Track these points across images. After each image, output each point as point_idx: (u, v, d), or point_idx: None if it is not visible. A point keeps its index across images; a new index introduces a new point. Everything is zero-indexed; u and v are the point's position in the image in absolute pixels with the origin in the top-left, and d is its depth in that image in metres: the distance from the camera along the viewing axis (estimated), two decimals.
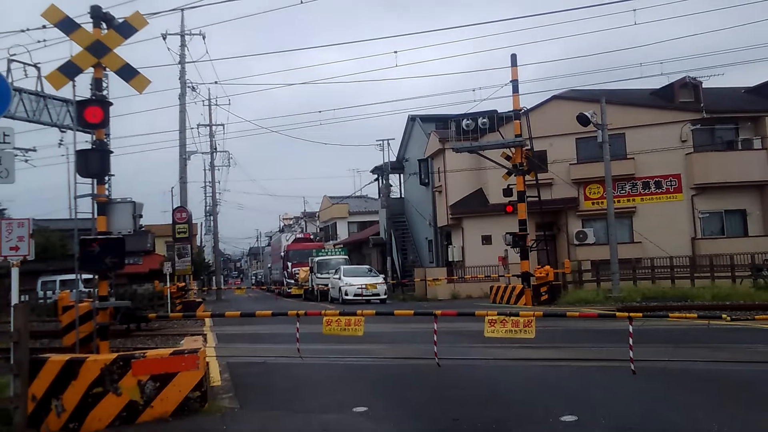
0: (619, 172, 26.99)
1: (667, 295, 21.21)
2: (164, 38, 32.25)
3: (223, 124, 66.26)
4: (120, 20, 8.27)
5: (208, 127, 44.53)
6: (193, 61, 34.27)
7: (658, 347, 10.44)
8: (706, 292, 20.98)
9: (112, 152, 8.09)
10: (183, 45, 33.10)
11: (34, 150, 21.65)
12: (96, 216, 8.05)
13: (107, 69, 8.22)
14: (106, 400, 6.64)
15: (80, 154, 7.88)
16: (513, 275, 24.87)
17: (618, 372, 8.45)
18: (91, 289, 16.56)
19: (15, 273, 7.20)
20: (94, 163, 7.82)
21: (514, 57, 22.80)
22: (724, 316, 9.01)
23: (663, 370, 8.70)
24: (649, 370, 8.37)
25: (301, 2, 16.18)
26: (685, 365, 9.10)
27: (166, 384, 6.81)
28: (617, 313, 10.41)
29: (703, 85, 30.06)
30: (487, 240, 30.63)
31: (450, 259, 32.72)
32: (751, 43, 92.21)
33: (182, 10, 26.09)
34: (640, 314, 9.67)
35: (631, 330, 7.88)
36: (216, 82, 72.08)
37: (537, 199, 24.65)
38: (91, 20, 8.25)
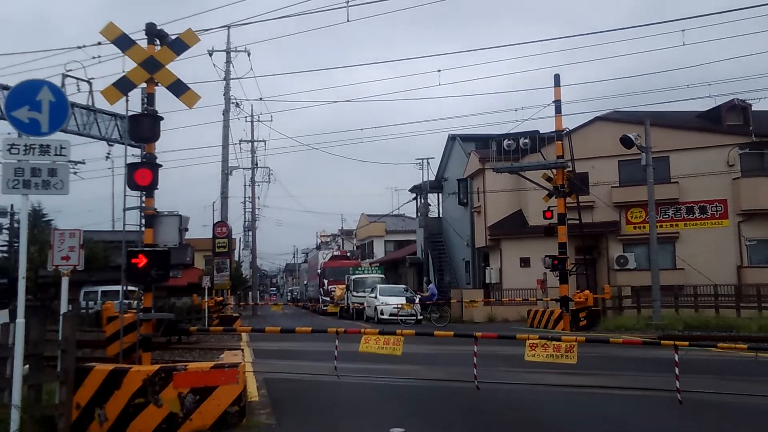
0: (662, 196, 26.48)
1: (710, 325, 20.60)
2: (210, 55, 32.96)
3: (264, 141, 67.26)
4: (173, 37, 8.47)
5: (249, 143, 45.17)
6: (238, 78, 34.80)
7: (704, 378, 10.11)
8: (753, 322, 20.29)
9: (161, 166, 8.25)
10: (228, 61, 33.75)
11: (83, 162, 22.26)
12: (143, 228, 8.19)
13: (159, 84, 8.41)
14: (147, 411, 6.71)
15: (131, 168, 8.05)
16: (551, 299, 24.51)
17: (663, 401, 8.21)
18: (132, 301, 16.87)
19: (65, 282, 7.37)
20: (143, 177, 7.97)
21: (557, 77, 22.69)
22: None
23: (709, 402, 8.43)
24: (695, 400, 8.12)
25: (348, 21, 16.39)
26: (733, 398, 8.80)
27: (205, 397, 6.86)
28: (663, 341, 10.13)
29: (752, 108, 29.40)
30: (525, 262, 30.27)
31: (487, 281, 32.39)
32: None
33: (229, 27, 26.66)
34: (687, 343, 9.39)
35: (677, 359, 7.66)
36: (260, 99, 73.03)
37: (578, 222, 24.31)
38: (145, 37, 8.48)
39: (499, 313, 28.92)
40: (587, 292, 22.94)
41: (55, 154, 6.15)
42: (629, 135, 21.59)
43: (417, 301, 28.47)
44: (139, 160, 8.58)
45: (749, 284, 25.54)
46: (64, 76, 16.46)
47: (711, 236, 27.88)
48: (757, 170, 28.35)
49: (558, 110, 22.58)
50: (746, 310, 23.11)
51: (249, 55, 34.60)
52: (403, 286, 34.52)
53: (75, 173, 23.44)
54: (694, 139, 28.58)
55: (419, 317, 27.79)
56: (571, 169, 23.33)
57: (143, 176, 8.05)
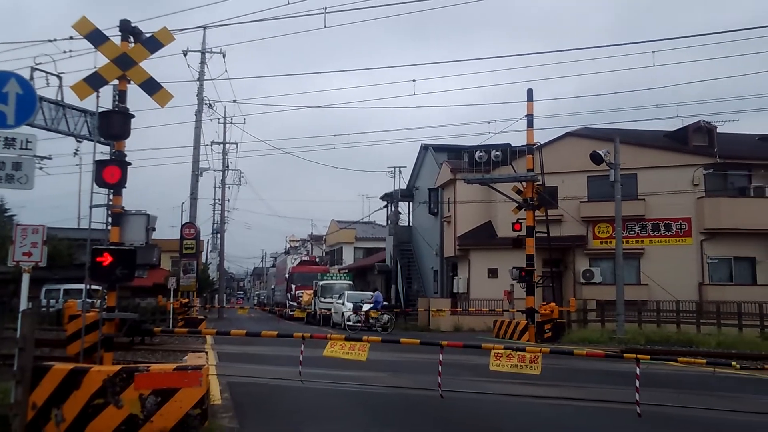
0: (629, 213, 26.92)
1: (671, 340, 20.98)
2: (185, 55, 32.69)
3: (236, 143, 66.49)
4: (147, 35, 8.39)
5: (221, 145, 44.81)
6: (212, 79, 34.58)
7: (663, 392, 10.30)
8: (712, 338, 20.75)
9: (130, 164, 8.14)
10: (203, 62, 33.51)
11: (50, 158, 21.79)
12: (110, 227, 8.07)
13: (131, 81, 8.31)
14: (106, 412, 6.58)
15: (99, 165, 7.94)
16: (517, 310, 24.72)
17: (623, 414, 8.33)
18: (95, 300, 16.58)
19: (26, 279, 7.21)
20: (112, 174, 7.86)
21: (530, 92, 22.94)
22: (734, 363, 8.88)
23: (668, 415, 8.58)
24: (654, 414, 8.25)
25: (325, 27, 16.39)
26: (691, 411, 8.97)
27: (167, 399, 6.76)
28: (625, 354, 10.29)
29: (718, 130, 30.10)
30: (493, 273, 30.50)
31: (455, 291, 32.56)
32: (767, 90, 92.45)
33: (205, 28, 26.53)
34: (648, 357, 9.55)
35: (638, 372, 7.79)
36: (234, 101, 72.14)
37: (546, 235, 24.60)
38: (119, 33, 8.37)
39: (465, 322, 29.06)
40: (553, 304, 23.19)
41: (21, 148, 6.05)
42: (599, 151, 21.92)
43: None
44: (108, 158, 8.45)
45: (710, 301, 26.09)
46: (33, 69, 16.11)
47: (675, 253, 28.43)
48: (720, 191, 29.04)
49: (530, 124, 22.83)
50: (706, 326, 23.60)
51: (224, 56, 34.39)
52: (371, 293, 34.50)
53: (41, 168, 22.86)
54: (661, 158, 29.17)
55: (387, 324, 27.80)
56: (541, 182, 23.61)
57: (112, 174, 7.93)
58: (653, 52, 23.72)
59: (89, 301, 15.44)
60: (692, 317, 24.76)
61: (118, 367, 7.02)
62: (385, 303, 30.16)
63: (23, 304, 7.04)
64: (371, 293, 32.81)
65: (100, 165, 8.00)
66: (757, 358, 16.87)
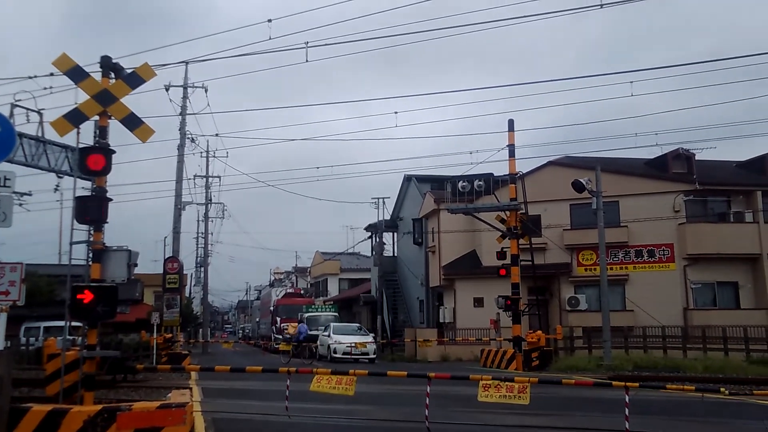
0: (612, 240, 27.11)
1: (658, 366, 20.99)
2: (167, 90, 32.66)
3: (219, 176, 66.16)
4: (129, 71, 8.39)
5: (204, 179, 44.59)
6: (194, 113, 34.59)
7: (653, 418, 10.25)
8: (699, 363, 20.77)
9: (111, 200, 8.07)
10: (185, 97, 33.51)
11: (30, 194, 21.56)
12: (90, 263, 7.96)
13: (112, 117, 8.29)
14: None
15: (80, 201, 7.86)
16: (504, 339, 24.63)
17: None
18: (77, 337, 16.29)
19: (3, 318, 7.07)
20: (92, 210, 7.78)
21: (511, 122, 23.17)
22: (722, 389, 8.89)
23: None
24: None
25: (306, 61, 16.51)
26: None
27: None
28: (613, 383, 10.25)
29: (696, 157, 30.56)
30: (479, 302, 30.45)
31: (441, 320, 32.41)
32: (743, 118, 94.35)
33: (186, 63, 26.59)
34: (637, 384, 9.52)
35: (627, 399, 7.75)
36: (216, 135, 72.08)
37: (530, 263, 24.65)
38: (100, 69, 8.36)
39: (452, 352, 28.89)
40: (540, 332, 23.16)
41: (0, 185, 5.97)
42: (580, 180, 22.12)
43: (371, 339, 28.35)
44: (89, 194, 8.38)
45: (695, 326, 26.20)
46: (13, 105, 16.03)
47: (659, 279, 28.60)
48: (701, 216, 29.41)
49: (512, 154, 23.02)
50: (692, 351, 23.66)
51: (206, 91, 34.37)
52: (357, 324, 34.26)
53: (21, 205, 22.65)
54: (643, 185, 29.52)
55: (372, 356, 27.57)
56: (524, 211, 23.73)
57: (92, 209, 7.85)
58: (631, 82, 24.14)
59: (70, 338, 15.19)
60: (678, 342, 24.83)
61: (100, 406, 6.87)
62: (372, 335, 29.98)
63: (0, 343, 6.88)
64: (357, 325, 32.68)
65: (80, 201, 7.93)
66: (745, 382, 16.90)
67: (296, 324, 37.08)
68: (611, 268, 27.35)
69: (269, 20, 17.27)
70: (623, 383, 8.56)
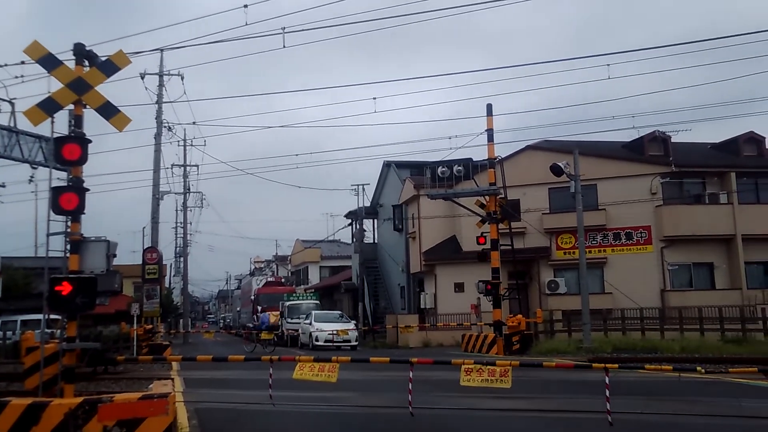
0: (590, 223, 27.33)
1: (637, 347, 21.29)
2: (142, 78, 32.25)
3: (197, 165, 65.53)
4: (103, 58, 8.24)
5: (182, 168, 44.17)
6: (171, 102, 34.10)
7: (632, 399, 10.40)
8: (676, 344, 21.12)
9: (88, 190, 7.95)
10: (161, 85, 33.10)
11: (4, 186, 21.24)
12: (68, 254, 7.86)
13: (87, 106, 8.15)
14: None
15: (56, 191, 7.73)
16: (485, 324, 24.79)
17: (594, 423, 8.38)
18: (55, 330, 16.12)
19: None
20: (69, 201, 7.67)
21: (489, 107, 23.19)
22: (699, 368, 9.03)
23: (638, 422, 8.66)
24: (626, 421, 8.31)
25: (284, 47, 16.36)
26: (660, 417, 9.07)
27: (133, 430, 6.57)
28: (593, 365, 10.38)
29: (672, 140, 30.87)
30: (459, 287, 30.61)
31: (422, 306, 32.56)
32: (717, 100, 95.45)
33: (162, 50, 26.20)
34: (617, 365, 9.64)
35: (607, 381, 7.85)
36: (194, 123, 71.37)
37: (510, 247, 24.78)
38: (73, 57, 8.20)
39: (434, 338, 29.04)
40: (520, 316, 23.34)
41: None
42: (559, 163, 22.23)
43: (353, 326, 28.37)
44: (65, 184, 8.25)
45: (672, 307, 26.60)
46: None
47: (636, 261, 28.96)
48: (677, 198, 29.78)
49: (491, 138, 23.06)
50: (669, 331, 24.02)
51: (182, 78, 33.94)
52: (339, 312, 34.30)
53: None
54: (620, 168, 29.78)
55: (354, 343, 27.63)
56: (503, 196, 23.82)
57: (69, 200, 7.74)
58: (608, 65, 24.21)
59: (48, 331, 15.03)
60: (656, 324, 25.18)
61: (80, 399, 6.80)
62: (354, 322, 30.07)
63: None
64: (338, 312, 32.71)
65: (56, 192, 7.81)
66: (720, 361, 17.20)
67: (277, 312, 37.08)
68: (590, 252, 27.60)
69: (245, 5, 17.09)
70: (603, 365, 8.66)
